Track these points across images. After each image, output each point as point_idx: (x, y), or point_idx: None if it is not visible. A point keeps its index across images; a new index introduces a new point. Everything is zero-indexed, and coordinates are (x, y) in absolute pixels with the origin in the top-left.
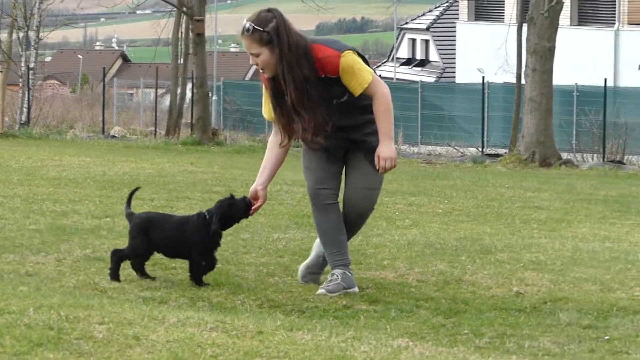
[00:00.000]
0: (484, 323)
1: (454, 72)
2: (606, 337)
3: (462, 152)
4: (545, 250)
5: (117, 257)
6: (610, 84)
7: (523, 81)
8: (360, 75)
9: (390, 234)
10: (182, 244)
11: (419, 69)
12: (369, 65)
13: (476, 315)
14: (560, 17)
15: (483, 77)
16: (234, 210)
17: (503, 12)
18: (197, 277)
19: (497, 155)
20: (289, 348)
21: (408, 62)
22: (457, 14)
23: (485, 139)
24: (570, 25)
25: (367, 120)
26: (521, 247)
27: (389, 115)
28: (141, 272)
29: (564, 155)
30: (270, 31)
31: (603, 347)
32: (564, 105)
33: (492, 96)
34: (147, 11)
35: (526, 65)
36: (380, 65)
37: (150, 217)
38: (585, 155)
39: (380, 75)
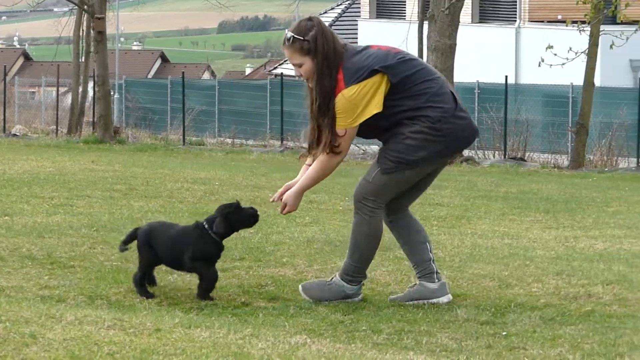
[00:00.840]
0: (382, 320)
1: None
2: (503, 333)
3: (364, 150)
4: (445, 247)
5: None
6: (511, 81)
7: None
8: (338, 119)
9: (290, 231)
10: (181, 255)
11: None
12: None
13: (374, 312)
14: (461, 14)
15: None
16: (239, 217)
17: (404, 10)
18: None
19: None
20: (186, 345)
21: None
22: (359, 12)
23: None
24: (472, 22)
25: (391, 134)
26: None
27: (317, 175)
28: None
29: (466, 153)
30: (311, 39)
31: (500, 343)
32: (466, 103)
33: None
34: (49, 9)
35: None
36: (282, 63)
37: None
38: (486, 152)
39: (282, 74)
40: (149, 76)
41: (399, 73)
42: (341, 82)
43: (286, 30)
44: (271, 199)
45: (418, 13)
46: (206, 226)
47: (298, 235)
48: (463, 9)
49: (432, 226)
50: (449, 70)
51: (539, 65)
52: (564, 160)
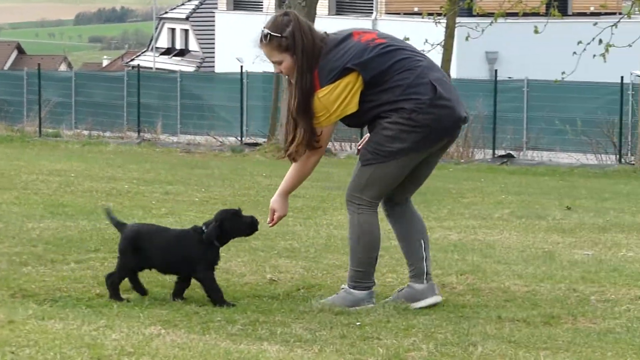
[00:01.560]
0: (237, 310)
1: (214, 62)
2: (357, 323)
3: (221, 142)
4: (300, 238)
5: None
6: None
7: None
8: (314, 118)
9: (146, 222)
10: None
11: (179, 58)
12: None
13: None
14: (318, 6)
15: (242, 67)
16: (237, 224)
17: (262, 2)
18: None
19: (256, 145)
20: (39, 337)
21: (168, 51)
22: (216, 4)
23: (244, 128)
24: (328, 14)
25: (372, 126)
26: (276, 235)
27: (297, 175)
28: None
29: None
30: (288, 36)
31: (354, 333)
32: None
33: (251, 85)
34: None
35: None
36: (139, 55)
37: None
38: (343, 144)
39: (138, 65)
40: (5, 68)
41: (373, 69)
42: (317, 82)
43: (262, 27)
44: (269, 225)
45: (275, 5)
46: (204, 229)
47: None
48: (320, 1)
49: (288, 217)
50: None
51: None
52: None
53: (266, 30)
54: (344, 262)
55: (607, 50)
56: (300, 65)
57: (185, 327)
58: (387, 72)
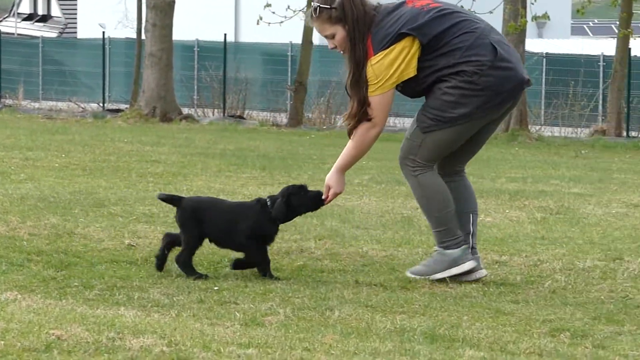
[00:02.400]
0: (95, 275)
1: (76, 28)
2: (215, 288)
3: (83, 108)
4: (159, 203)
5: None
6: (230, 39)
7: (144, 36)
8: (369, 87)
9: (4, 188)
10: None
11: (41, 24)
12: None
13: (87, 268)
14: None
15: (104, 33)
16: (302, 200)
17: None
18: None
19: (119, 111)
20: None
21: (30, 17)
22: None
23: (106, 94)
24: None
25: (430, 91)
26: (135, 200)
27: (355, 151)
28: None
29: (185, 110)
30: (338, 6)
31: (212, 298)
32: (185, 61)
33: (114, 51)
34: None
35: (146, 20)
36: (1, 21)
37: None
38: (206, 110)
39: (0, 31)
40: None
41: (429, 32)
42: (370, 50)
43: (312, 1)
44: (325, 202)
45: None
46: (269, 204)
47: (12, 192)
48: None
49: (149, 183)
50: (168, 28)
51: (258, 24)
52: (283, 118)
53: (315, 3)
54: None
55: None
56: (352, 37)
57: (42, 293)
58: (444, 35)
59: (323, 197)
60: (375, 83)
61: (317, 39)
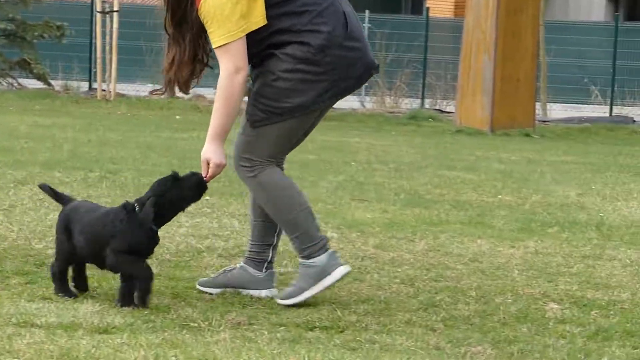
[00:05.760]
0: None
1: None
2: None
3: None
4: None
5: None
6: None
7: None
8: (211, 33)
9: None
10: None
11: None
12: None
13: None
14: None
15: None
16: (178, 193)
17: None
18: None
19: None
20: None
21: None
22: None
23: None
24: None
25: (260, 70)
26: None
27: (225, 107)
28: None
29: None
30: None
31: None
32: None
33: None
34: None
35: None
36: None
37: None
38: None
39: None
40: None
41: None
42: None
43: None
44: (206, 179)
45: None
46: (137, 209)
47: None
48: None
49: None
50: None
51: None
52: None
53: None
54: None
55: None
56: None
57: None
58: None
59: (203, 174)
60: (218, 26)
61: None
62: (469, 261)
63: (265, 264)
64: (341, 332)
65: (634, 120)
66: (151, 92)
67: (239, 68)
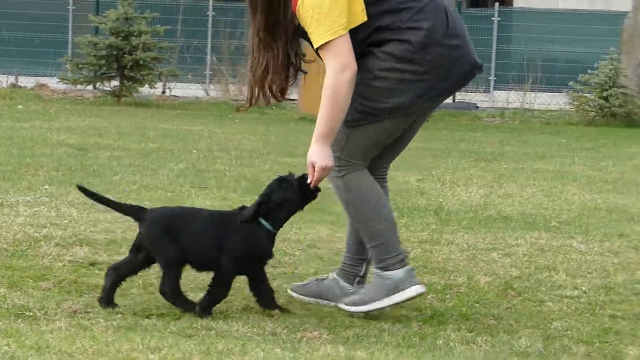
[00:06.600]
0: None
1: None
2: None
3: None
4: None
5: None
6: None
7: None
8: (312, 33)
9: None
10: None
11: None
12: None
13: None
14: None
15: None
16: (283, 194)
17: None
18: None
19: None
20: None
21: None
22: None
23: None
24: None
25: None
26: None
27: (332, 105)
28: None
29: None
30: None
31: None
32: None
33: None
34: None
35: None
36: None
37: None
38: None
39: None
40: None
41: None
42: None
43: None
44: (311, 183)
45: None
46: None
47: None
48: None
49: None
50: None
51: None
52: None
53: None
54: None
55: None
56: None
57: None
58: None
59: (308, 180)
60: (316, 25)
61: None
62: (307, 247)
63: (357, 279)
64: (177, 319)
65: (477, 107)
66: (238, 109)
67: (345, 65)
